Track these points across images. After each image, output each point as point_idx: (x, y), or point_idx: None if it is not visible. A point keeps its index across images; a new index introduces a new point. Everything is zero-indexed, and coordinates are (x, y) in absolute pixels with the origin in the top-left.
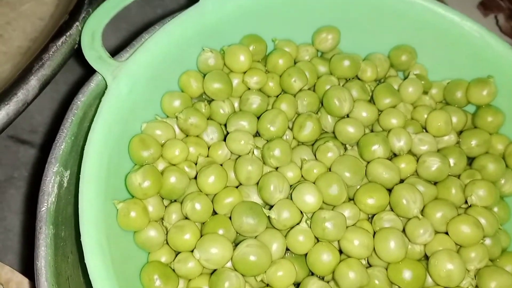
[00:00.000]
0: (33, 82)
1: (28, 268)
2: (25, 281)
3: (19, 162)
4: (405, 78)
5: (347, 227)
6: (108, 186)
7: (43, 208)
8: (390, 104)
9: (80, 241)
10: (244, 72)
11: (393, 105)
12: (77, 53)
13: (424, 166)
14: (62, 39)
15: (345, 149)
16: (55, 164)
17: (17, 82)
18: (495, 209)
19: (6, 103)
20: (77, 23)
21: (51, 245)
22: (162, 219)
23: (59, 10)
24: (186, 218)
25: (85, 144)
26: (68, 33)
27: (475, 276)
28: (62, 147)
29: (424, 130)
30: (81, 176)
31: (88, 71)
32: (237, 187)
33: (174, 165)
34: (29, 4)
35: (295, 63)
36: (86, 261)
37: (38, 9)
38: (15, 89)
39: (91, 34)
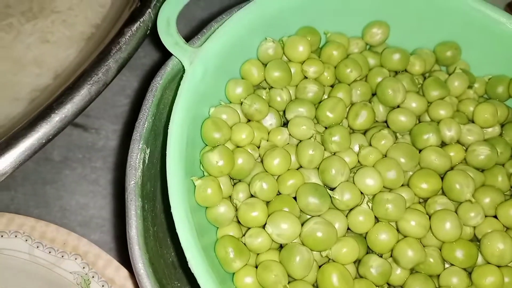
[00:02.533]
0: (112, 64)
1: None
2: (102, 254)
3: (73, 145)
4: (449, 73)
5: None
6: (186, 164)
7: (132, 181)
8: (439, 96)
9: (160, 216)
10: (302, 62)
11: (442, 97)
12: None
13: (473, 154)
14: (137, 24)
15: (396, 138)
16: (139, 141)
17: (97, 64)
18: None
19: (89, 83)
20: (149, 10)
21: (141, 216)
22: (230, 197)
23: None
24: (253, 196)
25: (161, 124)
26: (142, 19)
27: None
28: (145, 126)
29: (469, 122)
30: (167, 153)
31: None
32: (297, 169)
33: (240, 147)
34: None
35: (347, 55)
36: (178, 231)
37: None
38: (96, 70)
39: (167, 20)
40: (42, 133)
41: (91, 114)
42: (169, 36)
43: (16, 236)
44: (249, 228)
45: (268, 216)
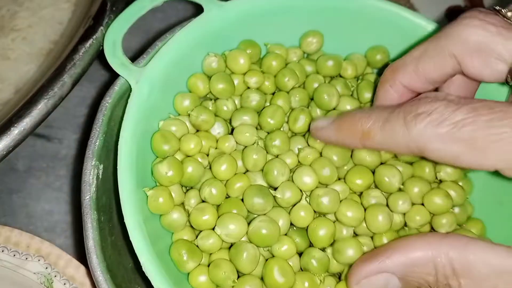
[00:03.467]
0: (67, 79)
1: None
2: (63, 254)
3: (37, 155)
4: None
5: (340, 200)
6: (138, 176)
7: (87, 196)
8: (371, 98)
9: (117, 226)
10: (244, 73)
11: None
12: (99, 58)
13: None
14: (90, 41)
15: None
16: (92, 159)
17: (53, 79)
18: (460, 184)
19: (45, 97)
20: (102, 27)
21: (97, 228)
22: (183, 203)
23: (76, 15)
24: (204, 201)
25: (113, 141)
26: (95, 36)
27: None
28: (96, 143)
29: None
30: (118, 168)
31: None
32: (244, 173)
33: (189, 156)
34: (48, 9)
35: (286, 64)
36: (131, 240)
37: (56, 13)
38: (52, 85)
39: (112, 43)
40: (2, 145)
41: (54, 125)
42: (116, 58)
43: None
44: (201, 231)
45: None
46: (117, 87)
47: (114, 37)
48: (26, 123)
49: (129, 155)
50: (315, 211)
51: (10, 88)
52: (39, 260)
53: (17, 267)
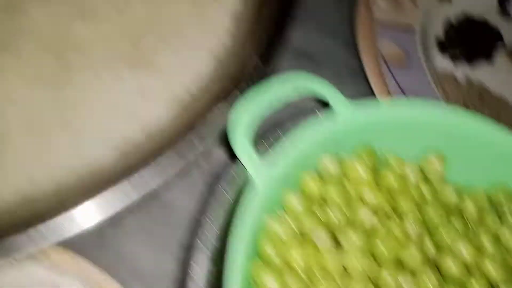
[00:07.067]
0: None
1: None
2: None
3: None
4: (499, 214)
5: None
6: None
7: None
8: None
9: None
10: (360, 184)
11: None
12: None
13: None
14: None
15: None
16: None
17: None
18: None
19: None
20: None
21: None
22: None
23: (217, 74)
24: None
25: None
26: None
27: None
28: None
29: None
30: (226, 276)
31: None
32: None
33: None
34: (189, 53)
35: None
36: None
37: (196, 63)
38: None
39: (244, 131)
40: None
41: None
42: (245, 151)
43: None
44: None
45: None
46: (233, 172)
47: (245, 123)
48: None
49: (239, 258)
50: None
51: (139, 128)
52: None
53: None
